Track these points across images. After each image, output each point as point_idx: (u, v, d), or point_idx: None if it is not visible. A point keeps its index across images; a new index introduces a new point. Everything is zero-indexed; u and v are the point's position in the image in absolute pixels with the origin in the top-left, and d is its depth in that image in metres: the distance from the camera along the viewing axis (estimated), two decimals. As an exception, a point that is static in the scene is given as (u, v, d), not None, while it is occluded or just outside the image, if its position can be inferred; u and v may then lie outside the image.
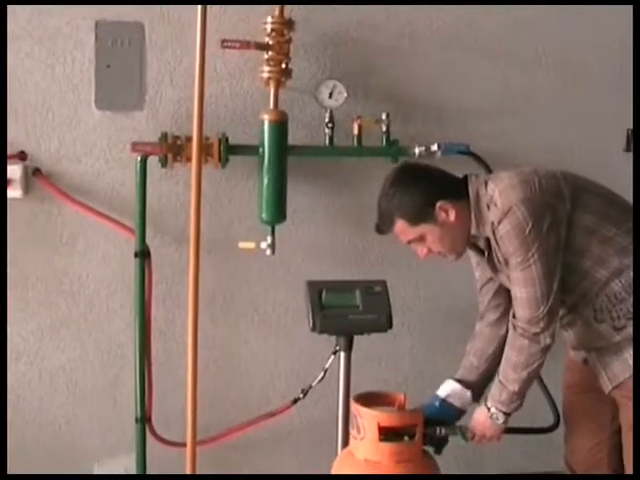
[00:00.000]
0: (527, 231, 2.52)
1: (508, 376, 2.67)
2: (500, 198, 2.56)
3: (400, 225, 2.65)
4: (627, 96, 3.26)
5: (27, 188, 3.17)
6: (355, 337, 3.01)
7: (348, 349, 3.00)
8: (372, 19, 3.32)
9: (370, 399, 2.71)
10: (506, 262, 2.61)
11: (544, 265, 2.55)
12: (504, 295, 2.81)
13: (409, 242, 2.70)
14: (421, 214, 2.62)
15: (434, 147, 3.22)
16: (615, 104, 3.45)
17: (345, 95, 3.21)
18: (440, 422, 2.80)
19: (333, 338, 3.02)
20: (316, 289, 2.99)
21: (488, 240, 2.66)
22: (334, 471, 2.75)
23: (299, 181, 3.29)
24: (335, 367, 3.04)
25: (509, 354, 2.67)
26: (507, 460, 3.59)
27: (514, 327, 2.65)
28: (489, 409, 2.72)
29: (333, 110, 3.22)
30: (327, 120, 3.22)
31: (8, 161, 3.09)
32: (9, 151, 3.11)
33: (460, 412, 2.87)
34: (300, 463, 3.49)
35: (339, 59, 3.31)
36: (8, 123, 3.13)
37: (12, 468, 2.93)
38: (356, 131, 3.23)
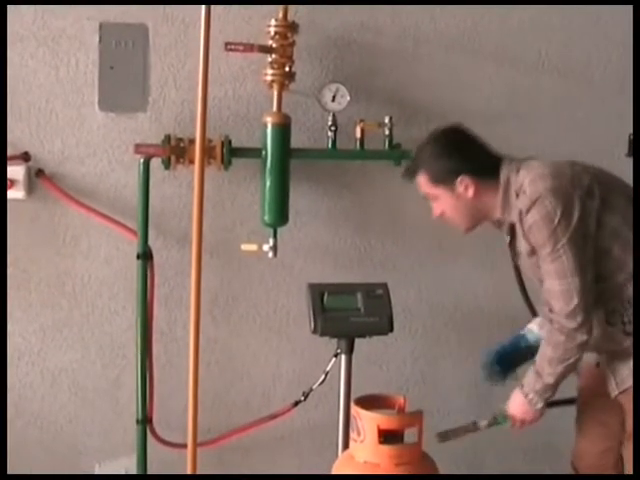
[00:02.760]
0: (556, 221, 2.52)
1: (544, 369, 2.67)
2: (530, 186, 2.57)
3: (421, 178, 2.73)
4: (629, 101, 3.26)
5: (30, 189, 3.18)
6: (356, 340, 3.01)
7: (349, 352, 3.01)
8: (376, 22, 3.33)
9: (370, 402, 2.72)
10: (533, 252, 2.62)
11: (574, 256, 2.54)
12: None
13: (426, 196, 2.76)
14: (442, 178, 2.68)
15: (436, 150, 3.22)
16: (618, 108, 3.45)
17: (348, 98, 3.22)
18: (516, 358, 2.87)
19: (334, 341, 3.03)
20: (318, 292, 2.99)
21: (512, 227, 2.67)
22: (334, 473, 2.76)
23: (301, 184, 3.30)
24: (336, 370, 3.04)
25: (545, 349, 2.67)
26: (507, 461, 3.59)
27: (551, 321, 2.64)
28: (526, 395, 2.72)
29: (336, 113, 3.22)
30: (330, 123, 3.22)
31: (12, 162, 3.11)
32: (13, 152, 3.13)
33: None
34: (301, 465, 3.49)
35: (342, 62, 3.31)
36: (12, 124, 3.15)
37: (13, 468, 2.95)
38: (359, 134, 3.24)
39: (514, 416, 2.77)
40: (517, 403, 2.75)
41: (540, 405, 2.71)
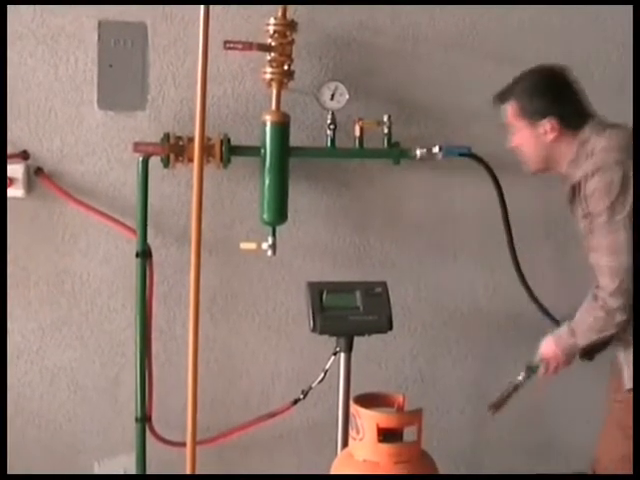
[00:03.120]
0: (616, 193, 2.55)
1: (579, 331, 2.71)
2: (601, 153, 2.61)
3: (510, 107, 2.77)
4: (628, 101, 3.26)
5: (29, 187, 3.18)
6: (355, 338, 3.02)
7: (348, 350, 3.02)
8: (375, 21, 3.33)
9: (370, 400, 2.73)
10: (587, 216, 2.63)
11: (628, 234, 2.56)
12: None
13: (508, 125, 2.80)
14: (528, 114, 2.73)
15: (435, 149, 3.23)
16: (618, 107, 3.44)
17: (347, 97, 3.22)
18: None
19: (333, 339, 3.03)
20: (317, 290, 3.00)
21: (573, 188, 2.69)
22: (333, 471, 2.76)
23: (300, 182, 3.30)
24: (335, 368, 3.05)
25: (585, 316, 2.70)
26: (506, 461, 3.59)
27: (595, 297, 2.66)
28: (557, 344, 2.76)
29: (335, 112, 3.22)
30: (329, 122, 3.22)
31: (11, 160, 3.10)
32: (12, 150, 3.13)
33: None
34: (300, 463, 3.49)
35: (341, 61, 3.31)
36: (11, 122, 3.15)
37: (12, 466, 2.95)
38: (358, 133, 3.23)
39: (547, 360, 2.79)
40: (550, 348, 2.78)
41: (571, 354, 2.76)
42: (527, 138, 2.76)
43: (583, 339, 2.71)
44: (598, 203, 2.58)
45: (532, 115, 2.72)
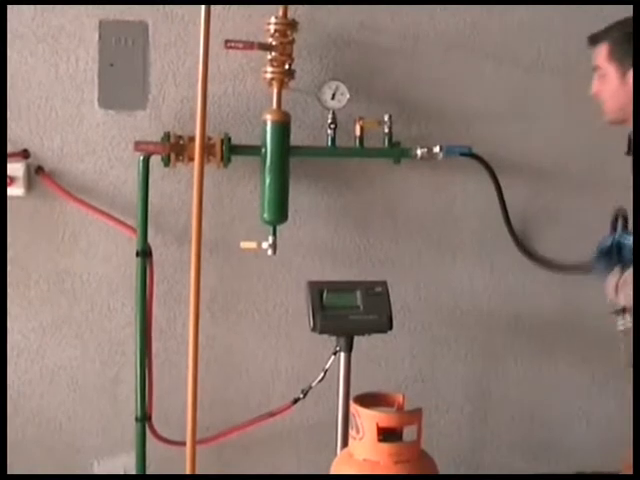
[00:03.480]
0: None
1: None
2: None
3: (602, 49, 2.77)
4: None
5: (30, 186, 3.18)
6: (355, 338, 3.02)
7: (348, 350, 3.01)
8: (375, 21, 3.33)
9: (369, 400, 2.72)
10: None
11: None
12: None
13: (595, 68, 2.80)
14: (620, 58, 2.71)
15: (436, 149, 3.23)
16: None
17: (348, 96, 3.22)
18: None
19: (333, 338, 3.03)
20: (317, 289, 2.99)
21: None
22: (333, 471, 2.76)
23: (301, 181, 3.30)
24: (335, 367, 3.05)
25: None
26: (506, 460, 3.60)
27: None
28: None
29: (336, 111, 3.22)
30: (329, 121, 3.22)
31: (11, 159, 3.10)
32: (12, 149, 3.13)
33: None
34: (300, 463, 3.50)
35: (342, 60, 3.31)
36: (11, 121, 3.15)
37: (12, 465, 2.95)
38: (358, 132, 3.23)
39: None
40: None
41: None
42: (612, 84, 2.75)
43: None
44: None
45: (624, 60, 2.70)
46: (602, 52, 2.78)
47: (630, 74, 2.69)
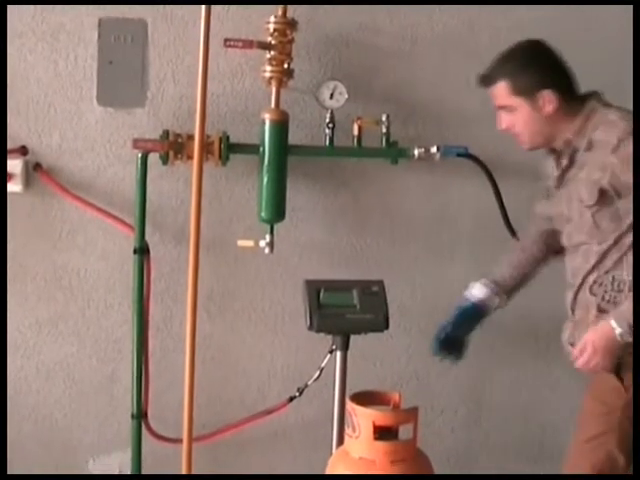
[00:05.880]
0: None
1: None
2: (623, 121, 2.57)
3: (501, 87, 2.70)
4: (627, 99, 3.26)
5: (28, 183, 3.18)
6: (352, 336, 3.02)
7: (344, 348, 3.02)
8: (374, 21, 3.33)
9: (365, 398, 2.73)
10: (603, 195, 2.56)
11: None
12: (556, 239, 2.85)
13: (499, 107, 2.74)
14: (525, 90, 2.66)
15: (433, 149, 3.24)
16: (617, 104, 3.46)
17: (346, 96, 3.22)
18: (467, 325, 2.89)
19: (330, 337, 3.04)
20: (314, 288, 3.00)
21: (571, 158, 2.66)
22: (329, 469, 2.76)
23: (299, 181, 3.31)
24: (331, 366, 3.05)
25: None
26: (500, 460, 3.61)
27: None
28: (614, 328, 2.55)
29: (334, 111, 3.23)
30: (328, 120, 3.23)
31: (9, 156, 3.11)
32: (11, 146, 3.13)
33: (484, 317, 2.94)
34: (295, 461, 3.50)
35: (341, 60, 3.32)
36: (10, 118, 3.15)
37: (8, 461, 2.95)
38: (356, 132, 3.24)
39: (586, 346, 2.60)
40: (601, 331, 2.59)
41: (628, 338, 2.53)
42: (524, 115, 2.68)
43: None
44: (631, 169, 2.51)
45: (529, 89, 2.66)
46: (502, 91, 2.70)
47: (540, 96, 2.65)
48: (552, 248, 2.94)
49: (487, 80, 2.76)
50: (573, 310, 2.75)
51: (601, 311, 2.65)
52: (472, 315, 3.01)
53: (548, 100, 2.65)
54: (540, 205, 2.91)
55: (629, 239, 2.60)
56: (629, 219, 2.59)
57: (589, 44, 3.47)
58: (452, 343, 3.01)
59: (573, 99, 2.69)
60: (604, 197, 2.60)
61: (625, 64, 3.40)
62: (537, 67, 2.68)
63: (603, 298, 2.66)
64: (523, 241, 3.06)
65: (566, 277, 2.80)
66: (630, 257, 2.60)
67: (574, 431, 2.87)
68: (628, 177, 2.55)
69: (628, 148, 2.54)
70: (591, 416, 2.78)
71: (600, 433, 2.72)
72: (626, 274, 2.62)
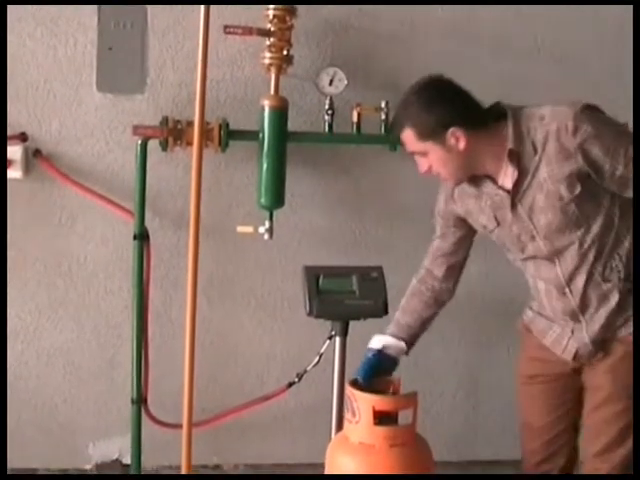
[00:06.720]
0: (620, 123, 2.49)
1: None
2: (561, 106, 2.49)
3: (408, 135, 2.57)
4: (625, 88, 3.27)
5: (27, 169, 3.19)
6: (351, 322, 3.04)
7: (344, 334, 3.03)
8: (373, 7, 3.33)
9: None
10: (598, 172, 2.48)
11: None
12: (458, 272, 2.88)
13: (412, 153, 2.64)
14: (431, 133, 2.53)
15: (432, 136, 3.24)
16: (614, 93, 3.46)
17: (345, 82, 3.23)
18: (379, 373, 2.76)
19: (329, 323, 3.05)
20: (313, 274, 3.00)
21: (519, 168, 2.54)
22: (329, 454, 2.77)
23: (298, 167, 3.31)
24: (330, 352, 3.06)
25: None
26: (498, 444, 3.63)
27: None
28: None
29: (333, 97, 3.24)
30: (327, 107, 3.24)
31: (9, 142, 3.11)
32: (10, 132, 3.13)
33: (396, 363, 2.84)
34: (295, 445, 3.52)
35: (340, 47, 3.32)
36: (9, 104, 3.16)
37: (8, 446, 2.96)
38: (355, 118, 3.25)
39: None
40: None
41: None
42: (438, 157, 2.56)
43: None
44: (604, 140, 2.45)
45: (435, 132, 2.53)
46: (409, 138, 2.58)
47: (448, 135, 2.51)
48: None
49: (394, 128, 2.66)
50: (583, 312, 2.65)
51: (621, 292, 2.59)
52: (378, 364, 2.84)
53: (457, 137, 2.52)
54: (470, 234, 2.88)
55: (617, 209, 2.55)
56: (611, 187, 2.52)
57: (585, 29, 3.48)
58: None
59: (483, 123, 2.56)
60: (584, 181, 2.51)
61: (620, 48, 3.41)
62: (438, 107, 2.54)
63: (619, 278, 2.59)
64: (420, 286, 2.91)
65: (545, 292, 2.74)
66: (625, 222, 2.56)
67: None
68: (597, 150, 2.47)
69: (585, 125, 2.46)
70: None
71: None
72: (628, 243, 2.57)
